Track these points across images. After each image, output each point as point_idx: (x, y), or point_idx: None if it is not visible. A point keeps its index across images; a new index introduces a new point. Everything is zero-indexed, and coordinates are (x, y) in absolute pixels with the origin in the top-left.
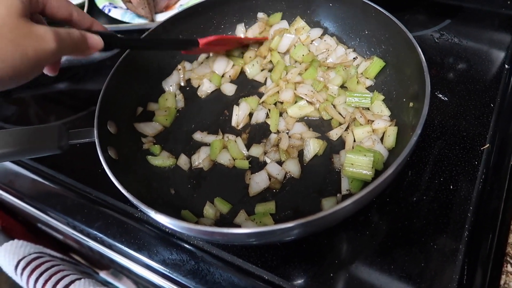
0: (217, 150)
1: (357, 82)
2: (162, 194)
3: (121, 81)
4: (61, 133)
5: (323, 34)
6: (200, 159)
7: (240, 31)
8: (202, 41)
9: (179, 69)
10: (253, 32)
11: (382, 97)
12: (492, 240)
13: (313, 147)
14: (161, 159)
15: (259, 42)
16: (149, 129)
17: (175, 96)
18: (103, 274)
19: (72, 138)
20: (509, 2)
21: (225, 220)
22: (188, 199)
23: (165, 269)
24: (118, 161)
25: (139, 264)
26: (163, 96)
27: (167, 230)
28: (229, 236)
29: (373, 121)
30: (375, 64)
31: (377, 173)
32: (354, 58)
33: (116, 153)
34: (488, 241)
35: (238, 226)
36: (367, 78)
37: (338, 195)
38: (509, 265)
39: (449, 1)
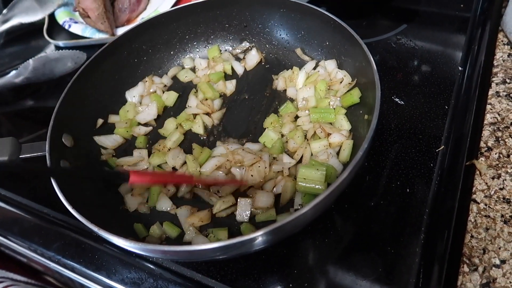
0: (155, 196)
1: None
2: (114, 206)
3: (80, 92)
4: (13, 146)
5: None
6: None
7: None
8: (134, 176)
9: (146, 81)
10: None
11: (344, 110)
12: (447, 241)
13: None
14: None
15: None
16: (109, 141)
17: (136, 107)
18: None
19: (24, 152)
20: (462, 5)
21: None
22: (140, 215)
23: None
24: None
25: (100, 285)
26: (124, 107)
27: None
28: (195, 254)
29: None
30: (353, 95)
31: None
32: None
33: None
34: (444, 242)
35: (189, 243)
36: (336, 97)
37: (290, 209)
38: (465, 266)
39: (405, 5)
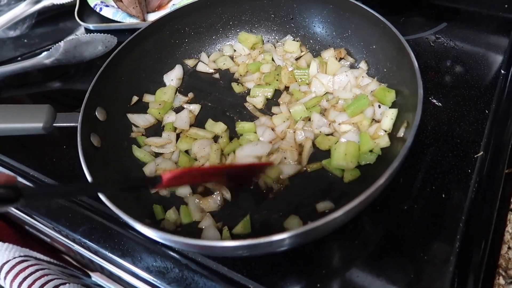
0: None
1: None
2: None
3: (119, 68)
4: (49, 113)
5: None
6: None
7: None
8: (165, 176)
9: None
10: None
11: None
12: (484, 251)
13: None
14: (143, 153)
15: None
16: (141, 120)
17: (176, 92)
18: (96, 276)
19: (58, 121)
20: (506, 6)
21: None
22: (160, 197)
23: (149, 276)
24: (98, 150)
25: (123, 270)
26: (162, 89)
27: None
28: (217, 249)
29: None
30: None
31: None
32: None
33: (99, 140)
34: (480, 252)
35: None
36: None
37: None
38: (501, 278)
39: (446, 3)
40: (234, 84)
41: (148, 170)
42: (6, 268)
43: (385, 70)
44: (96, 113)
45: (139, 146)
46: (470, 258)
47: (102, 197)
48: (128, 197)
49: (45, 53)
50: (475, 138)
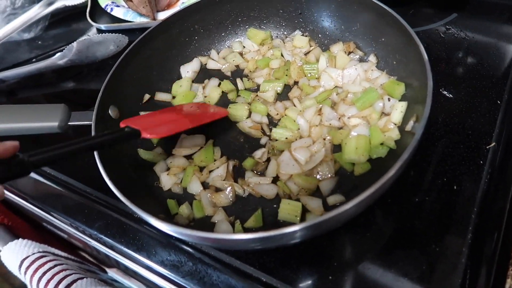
0: (189, 178)
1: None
2: (149, 182)
3: (130, 67)
4: (64, 112)
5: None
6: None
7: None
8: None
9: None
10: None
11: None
12: (497, 243)
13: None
14: (151, 155)
15: None
16: None
17: (191, 84)
18: (112, 272)
19: (73, 119)
20: None
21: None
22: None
23: (164, 270)
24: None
25: (138, 265)
26: (178, 82)
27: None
28: (230, 242)
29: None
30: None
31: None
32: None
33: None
34: (492, 243)
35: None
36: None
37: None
38: None
39: None
40: (244, 80)
41: (159, 168)
42: (26, 263)
43: (394, 63)
44: (109, 111)
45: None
46: (483, 249)
47: (117, 193)
48: (143, 193)
49: (58, 54)
50: (487, 129)
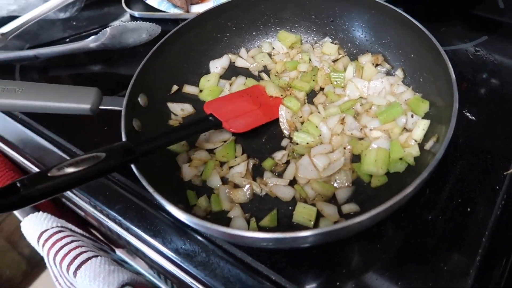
0: (209, 171)
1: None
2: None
3: (162, 57)
4: (96, 96)
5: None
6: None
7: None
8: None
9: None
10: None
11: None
12: (505, 268)
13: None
14: (176, 145)
15: None
16: (180, 109)
17: (219, 79)
18: (119, 252)
19: (104, 103)
20: None
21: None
22: (193, 185)
23: (177, 258)
24: (139, 134)
25: (152, 249)
26: (206, 76)
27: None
28: (245, 239)
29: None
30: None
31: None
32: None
33: (140, 125)
34: (501, 268)
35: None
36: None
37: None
38: None
39: (488, 15)
40: (272, 77)
41: (182, 159)
42: (44, 236)
43: (421, 80)
44: (138, 99)
45: None
46: (491, 274)
47: (141, 179)
48: (164, 181)
49: (92, 37)
50: (507, 154)
